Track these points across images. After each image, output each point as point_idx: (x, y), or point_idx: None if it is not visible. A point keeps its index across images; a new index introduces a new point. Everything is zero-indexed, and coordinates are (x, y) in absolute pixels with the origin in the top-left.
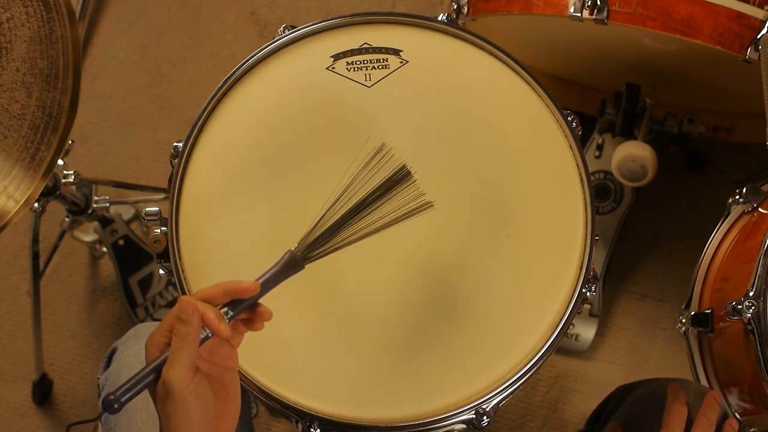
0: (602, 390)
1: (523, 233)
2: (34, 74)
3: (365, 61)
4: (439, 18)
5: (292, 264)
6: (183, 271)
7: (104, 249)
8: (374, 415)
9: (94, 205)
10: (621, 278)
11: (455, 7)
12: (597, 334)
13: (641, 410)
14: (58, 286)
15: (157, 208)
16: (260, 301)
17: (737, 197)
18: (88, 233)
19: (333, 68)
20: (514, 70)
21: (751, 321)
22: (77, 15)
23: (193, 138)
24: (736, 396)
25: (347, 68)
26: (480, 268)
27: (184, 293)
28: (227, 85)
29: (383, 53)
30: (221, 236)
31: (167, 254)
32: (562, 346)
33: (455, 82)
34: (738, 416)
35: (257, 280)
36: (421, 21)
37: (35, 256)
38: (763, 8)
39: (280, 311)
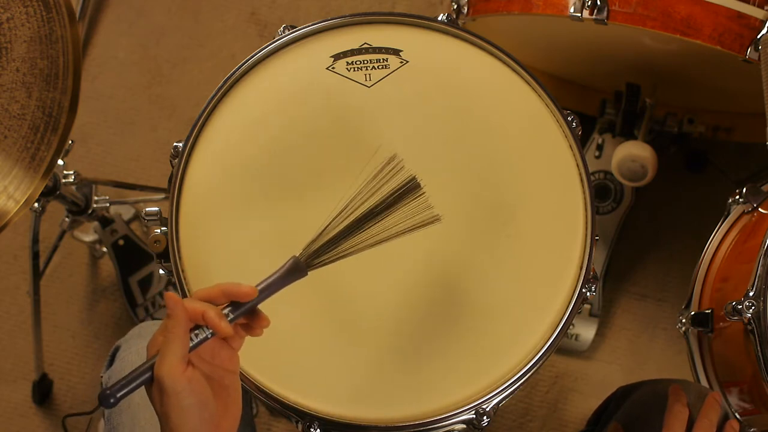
0: (602, 390)
1: (523, 233)
2: (34, 74)
3: (365, 61)
4: (439, 18)
5: (295, 270)
6: (183, 271)
7: (104, 249)
8: (374, 415)
9: (94, 205)
10: (621, 278)
11: (455, 7)
12: (597, 334)
13: (642, 411)
14: (58, 286)
15: (157, 208)
16: (262, 304)
17: (737, 197)
18: (88, 233)
19: (333, 68)
20: (514, 70)
21: (751, 321)
22: (77, 15)
23: (193, 138)
24: (736, 396)
25: (347, 68)
26: (480, 268)
27: (184, 293)
28: (227, 85)
29: (383, 53)
30: (221, 236)
31: (167, 254)
32: (562, 346)
33: (455, 82)
34: (738, 416)
35: (258, 285)
36: (421, 21)
37: (35, 256)
38: (763, 8)
39: (280, 311)
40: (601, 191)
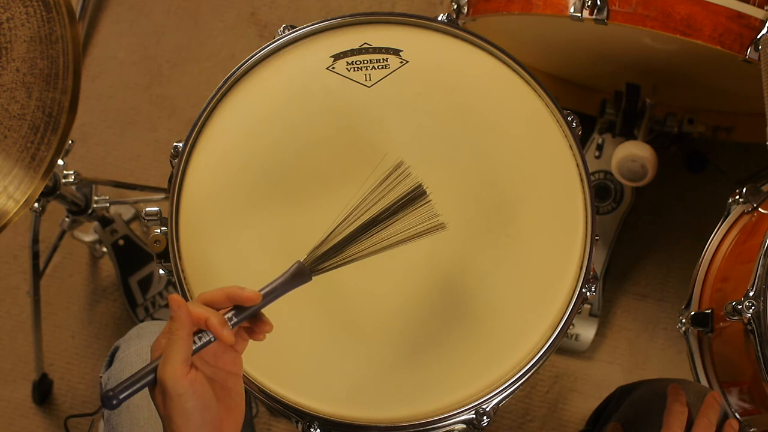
0: (602, 390)
1: (523, 233)
2: (34, 74)
3: (365, 61)
4: (439, 18)
5: (299, 275)
6: (183, 271)
7: (104, 249)
8: (374, 415)
9: (94, 205)
10: (621, 278)
11: (455, 7)
12: (597, 334)
13: (642, 410)
14: (58, 286)
15: (157, 208)
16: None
17: (737, 197)
18: (88, 233)
19: (333, 68)
20: (514, 70)
21: (751, 321)
22: (77, 15)
23: (193, 138)
24: (736, 396)
25: (347, 68)
26: (480, 267)
27: (184, 293)
28: (227, 85)
29: (383, 53)
30: (221, 236)
31: (167, 254)
32: (562, 346)
33: (455, 82)
34: (738, 416)
35: (262, 289)
36: (421, 21)
37: (35, 256)
38: (763, 8)
39: (281, 311)
40: (601, 191)
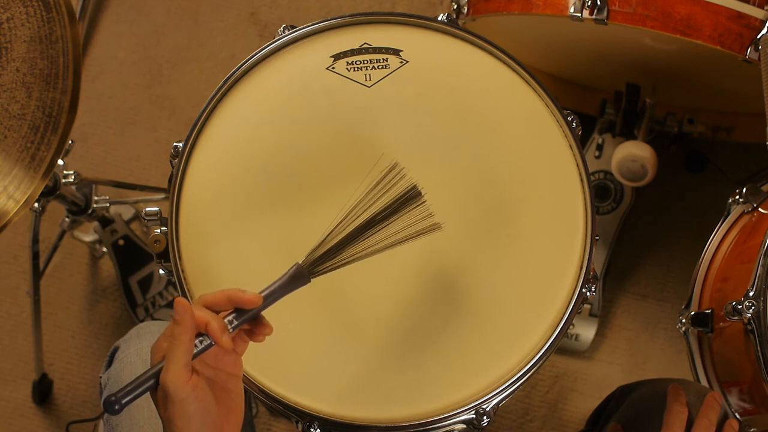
0: (602, 390)
1: (523, 233)
2: (34, 74)
3: (365, 61)
4: (439, 18)
5: (298, 277)
6: (183, 271)
7: (104, 249)
8: (374, 415)
9: (94, 205)
10: (621, 278)
11: (455, 7)
12: (597, 334)
13: (642, 410)
14: (58, 286)
15: (157, 208)
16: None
17: (737, 197)
18: (88, 233)
19: (333, 68)
20: (514, 70)
21: (751, 321)
22: (77, 15)
23: (193, 138)
24: (736, 396)
25: (347, 68)
26: (480, 267)
27: (184, 293)
28: (227, 85)
29: (383, 53)
30: (221, 236)
31: (167, 254)
32: (562, 346)
33: (455, 82)
34: (738, 416)
35: (261, 292)
36: (421, 21)
37: (35, 256)
38: (763, 8)
39: (280, 311)
40: (601, 191)
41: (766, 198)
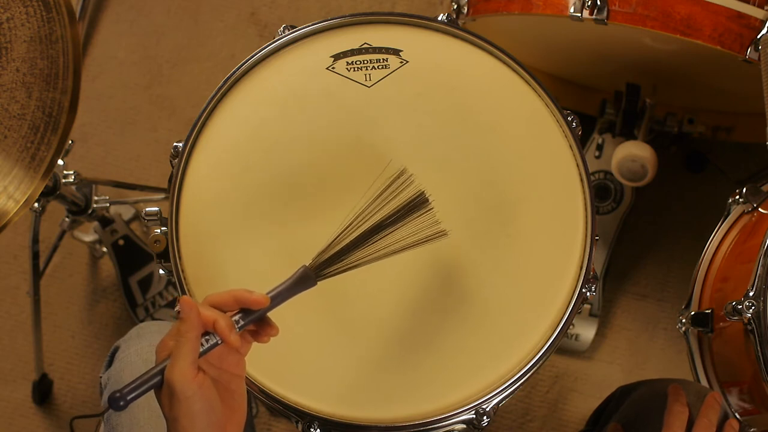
0: (602, 390)
1: (523, 233)
2: (34, 74)
3: (365, 61)
4: (439, 18)
5: (304, 279)
6: (183, 271)
7: (104, 249)
8: (374, 415)
9: (94, 205)
10: (621, 278)
11: (455, 7)
12: (597, 334)
13: (642, 411)
14: (58, 286)
15: (157, 208)
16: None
17: (737, 197)
18: (88, 233)
19: (333, 68)
20: (514, 70)
21: (751, 321)
22: (77, 15)
23: (193, 138)
24: (736, 396)
25: (347, 68)
26: (480, 268)
27: (184, 293)
28: (227, 85)
29: (383, 53)
30: (221, 236)
31: (167, 254)
32: (562, 346)
33: (455, 82)
34: (738, 416)
35: (268, 293)
36: (421, 21)
37: (35, 256)
38: (763, 8)
39: (280, 312)
40: (601, 191)
41: (766, 198)
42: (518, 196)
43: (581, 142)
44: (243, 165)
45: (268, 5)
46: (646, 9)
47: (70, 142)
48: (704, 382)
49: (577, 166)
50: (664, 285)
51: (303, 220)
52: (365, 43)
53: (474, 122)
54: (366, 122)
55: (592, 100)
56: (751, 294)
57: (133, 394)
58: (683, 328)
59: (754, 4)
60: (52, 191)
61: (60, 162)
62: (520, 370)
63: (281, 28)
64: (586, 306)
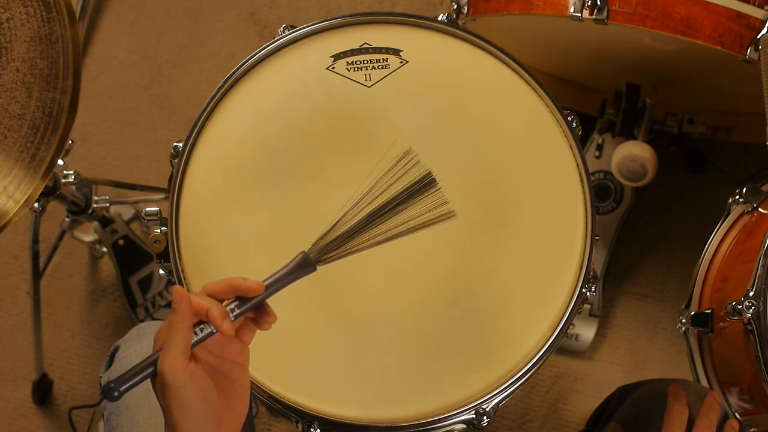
0: (602, 390)
1: (523, 233)
2: (34, 74)
3: (365, 61)
4: (439, 18)
5: (304, 265)
6: (183, 271)
7: (104, 249)
8: (374, 415)
9: (94, 205)
10: (621, 278)
11: (455, 7)
12: (597, 334)
13: (642, 411)
14: (58, 286)
15: (157, 208)
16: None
17: (737, 197)
18: (88, 233)
19: (333, 68)
20: (514, 70)
21: (751, 321)
22: (77, 15)
23: (193, 138)
24: (736, 396)
25: (347, 68)
26: (480, 268)
27: None
28: (227, 85)
29: (383, 53)
30: (221, 236)
31: (167, 254)
32: (562, 346)
33: (455, 82)
34: (738, 416)
35: (265, 280)
36: (421, 21)
37: (35, 256)
38: (763, 8)
39: (280, 311)
40: (601, 191)
41: (766, 198)
42: (518, 196)
43: (581, 142)
44: (243, 165)
45: (268, 5)
46: (646, 9)
47: (70, 142)
48: (704, 382)
49: (577, 166)
50: (664, 285)
51: (304, 220)
52: (365, 43)
53: (474, 122)
54: (366, 122)
55: (592, 100)
56: (751, 294)
57: (126, 385)
58: (683, 328)
59: (754, 4)
60: (52, 191)
61: (60, 162)
62: (520, 370)
63: (281, 28)
64: (586, 306)
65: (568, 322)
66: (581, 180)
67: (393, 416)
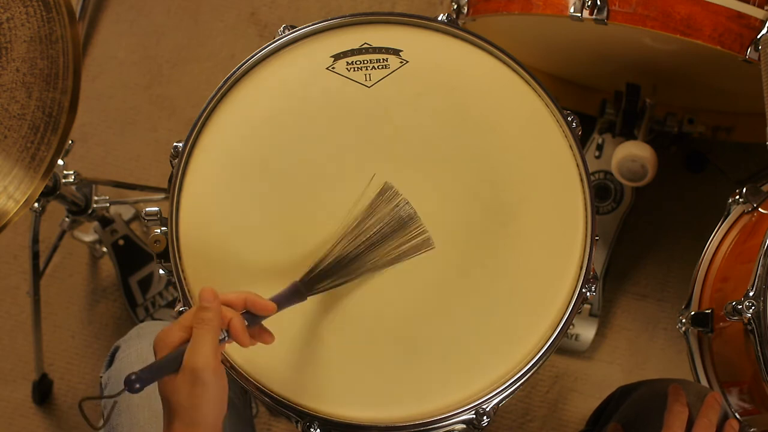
0: (602, 390)
1: (523, 233)
2: (34, 74)
3: (365, 61)
4: (439, 18)
5: (296, 294)
6: (183, 271)
7: (104, 249)
8: (374, 415)
9: (94, 205)
10: (621, 278)
11: (455, 7)
12: (597, 334)
13: (642, 411)
14: (58, 286)
15: (157, 208)
16: None
17: (737, 197)
18: (88, 233)
19: (333, 68)
20: (514, 70)
21: (751, 321)
22: (77, 15)
23: (193, 138)
24: (736, 396)
25: (347, 68)
26: (480, 268)
27: (184, 293)
28: (227, 86)
29: (383, 53)
30: (221, 236)
31: (167, 254)
32: (562, 346)
33: (455, 82)
34: (738, 416)
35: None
36: (421, 21)
37: (35, 256)
38: (763, 8)
39: (280, 312)
40: (601, 191)
41: (766, 198)
42: (518, 196)
43: (581, 142)
44: (243, 165)
45: (268, 5)
46: (646, 9)
47: (70, 142)
48: (704, 382)
49: (577, 166)
50: (664, 285)
51: (303, 219)
52: (365, 43)
53: (474, 122)
54: (366, 122)
55: (592, 100)
56: (751, 294)
57: (149, 377)
58: (683, 328)
59: (754, 4)
60: (52, 191)
61: (60, 162)
62: (520, 370)
63: (281, 28)
64: (586, 306)
65: (568, 322)
66: (581, 180)
67: (393, 416)
